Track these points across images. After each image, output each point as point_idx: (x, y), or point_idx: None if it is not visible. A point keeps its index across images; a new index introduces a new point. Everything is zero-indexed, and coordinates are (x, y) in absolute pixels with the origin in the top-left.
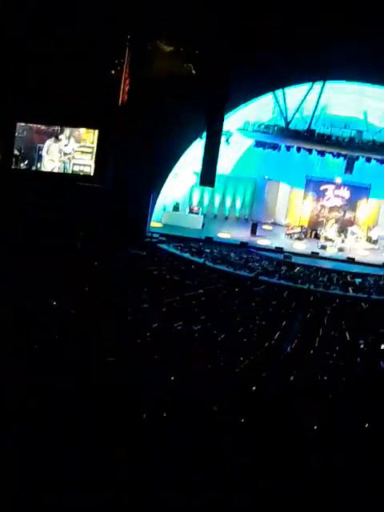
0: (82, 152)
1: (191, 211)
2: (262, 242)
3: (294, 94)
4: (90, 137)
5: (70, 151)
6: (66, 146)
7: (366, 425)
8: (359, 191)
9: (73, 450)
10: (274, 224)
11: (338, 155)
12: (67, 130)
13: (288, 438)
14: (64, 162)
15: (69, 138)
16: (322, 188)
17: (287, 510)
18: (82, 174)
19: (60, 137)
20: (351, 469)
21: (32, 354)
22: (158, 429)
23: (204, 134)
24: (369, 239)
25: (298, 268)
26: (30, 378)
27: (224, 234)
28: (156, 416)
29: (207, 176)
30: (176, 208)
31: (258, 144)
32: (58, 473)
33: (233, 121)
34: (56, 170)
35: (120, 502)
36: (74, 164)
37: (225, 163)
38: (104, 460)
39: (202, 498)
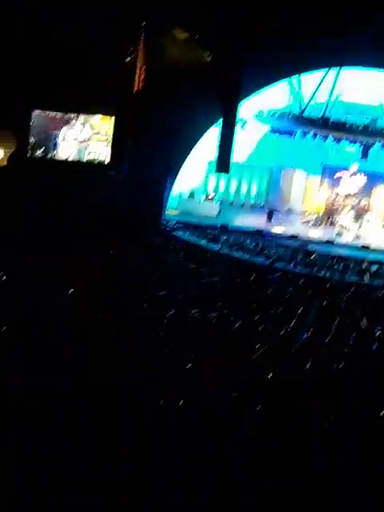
0: (98, 139)
1: (207, 199)
2: (277, 229)
3: (310, 80)
4: (105, 124)
5: (86, 138)
6: (81, 133)
7: (382, 413)
8: (375, 178)
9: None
10: (290, 211)
11: (354, 142)
12: (82, 118)
13: (294, 434)
14: (79, 150)
15: (84, 125)
16: (338, 175)
17: (290, 509)
18: (96, 161)
19: (75, 124)
20: (356, 467)
21: (36, 349)
22: (159, 427)
23: (219, 121)
24: None
25: (313, 255)
26: (32, 376)
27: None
28: (157, 413)
29: (223, 163)
30: (192, 195)
31: (274, 131)
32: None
33: (248, 108)
34: (71, 158)
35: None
36: (89, 152)
37: (240, 150)
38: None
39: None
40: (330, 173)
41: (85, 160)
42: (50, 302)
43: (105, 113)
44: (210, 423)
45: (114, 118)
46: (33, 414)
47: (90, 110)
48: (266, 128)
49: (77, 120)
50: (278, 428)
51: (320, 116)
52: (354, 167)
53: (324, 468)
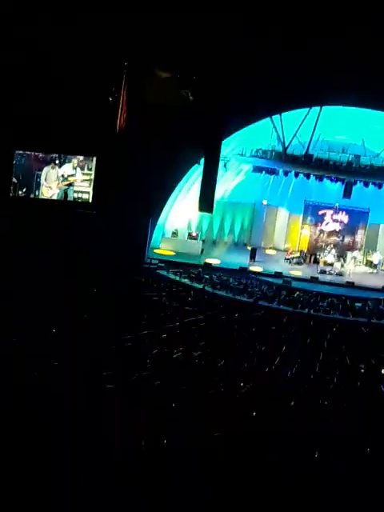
0: (81, 179)
1: (190, 237)
2: (255, 268)
3: (292, 118)
4: (88, 164)
5: (68, 178)
6: (63, 173)
7: (368, 449)
8: (358, 215)
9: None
10: (273, 249)
11: (336, 180)
12: (65, 158)
13: (278, 471)
14: (62, 189)
15: (67, 165)
16: (321, 212)
17: None
18: (80, 201)
19: (58, 164)
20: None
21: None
22: (139, 468)
23: (202, 160)
24: (368, 263)
25: (297, 293)
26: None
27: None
28: (139, 454)
29: (206, 202)
30: (175, 234)
31: (256, 169)
32: None
33: (231, 146)
34: (55, 198)
35: None
36: (73, 191)
37: (223, 188)
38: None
39: None
40: (312, 210)
41: (68, 199)
42: (32, 340)
43: (87, 153)
44: (191, 463)
45: (95, 158)
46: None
47: (72, 151)
48: (248, 167)
49: (59, 160)
50: (261, 466)
51: (303, 154)
52: (337, 205)
53: (309, 504)
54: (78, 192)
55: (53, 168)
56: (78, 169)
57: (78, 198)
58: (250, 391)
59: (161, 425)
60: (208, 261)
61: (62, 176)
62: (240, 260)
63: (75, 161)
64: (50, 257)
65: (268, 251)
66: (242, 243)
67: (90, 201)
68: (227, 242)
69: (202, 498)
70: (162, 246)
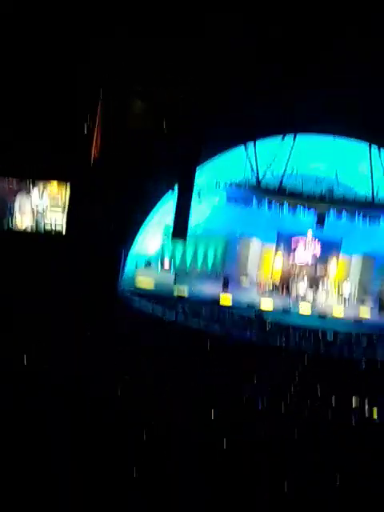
0: (55, 210)
1: (163, 269)
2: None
3: (265, 150)
4: (61, 191)
5: (43, 208)
6: (39, 202)
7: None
8: (330, 246)
9: None
10: (246, 279)
11: (310, 209)
12: (39, 185)
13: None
14: (37, 221)
15: (42, 193)
16: (294, 243)
17: None
18: (54, 233)
19: (32, 192)
20: None
21: None
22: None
23: (176, 187)
24: (339, 295)
25: (269, 325)
26: None
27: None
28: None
29: (179, 229)
30: (148, 264)
31: (230, 199)
32: None
33: (204, 175)
34: (29, 230)
35: None
36: (45, 223)
37: (196, 219)
38: None
39: None
40: (285, 240)
41: (42, 231)
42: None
43: (60, 178)
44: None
45: (69, 184)
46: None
47: (45, 176)
48: (221, 196)
49: (33, 188)
50: (233, 495)
51: (276, 186)
52: (309, 234)
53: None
54: (50, 224)
55: (26, 197)
56: (52, 198)
57: (52, 230)
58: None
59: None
60: (180, 293)
61: (36, 206)
62: (213, 291)
63: (49, 189)
64: (23, 290)
65: (242, 278)
66: (215, 273)
67: (64, 233)
68: (200, 273)
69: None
70: (139, 278)
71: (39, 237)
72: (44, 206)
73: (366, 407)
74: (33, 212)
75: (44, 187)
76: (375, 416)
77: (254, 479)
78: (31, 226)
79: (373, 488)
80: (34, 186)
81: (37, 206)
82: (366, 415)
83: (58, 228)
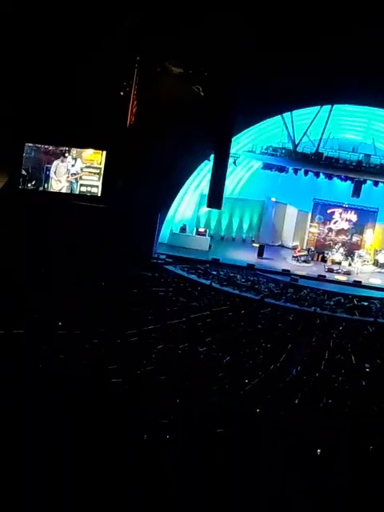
0: (90, 173)
1: (198, 233)
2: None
3: (303, 116)
4: (97, 158)
5: (77, 171)
6: (73, 166)
7: (370, 448)
8: (366, 215)
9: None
10: (281, 246)
11: (346, 178)
12: (74, 151)
13: (281, 468)
14: (71, 183)
15: (76, 158)
16: (329, 211)
17: None
18: (89, 194)
19: (67, 157)
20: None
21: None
22: (142, 460)
23: (212, 156)
24: (376, 262)
25: (304, 291)
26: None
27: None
28: (159, 439)
29: (214, 198)
30: (183, 229)
31: (266, 166)
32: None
33: (241, 142)
34: (64, 191)
35: None
36: (81, 185)
37: (232, 185)
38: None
39: None
40: (321, 209)
41: (77, 193)
42: (41, 333)
43: (96, 147)
44: (194, 458)
45: (105, 152)
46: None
47: (82, 144)
48: (258, 164)
49: (69, 153)
50: (265, 464)
51: (313, 152)
52: (346, 205)
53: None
54: (86, 186)
55: (62, 161)
56: (87, 163)
57: (87, 191)
58: (254, 388)
59: (164, 420)
60: (214, 258)
61: (71, 169)
62: (247, 257)
63: (84, 154)
64: (58, 250)
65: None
66: (250, 240)
67: (99, 195)
68: (235, 239)
69: (203, 498)
70: (170, 242)
71: (74, 200)
72: (80, 171)
73: None
74: (68, 176)
75: (80, 153)
76: None
77: (286, 444)
78: (66, 189)
79: None
80: (70, 151)
81: (72, 170)
82: None
83: (94, 191)
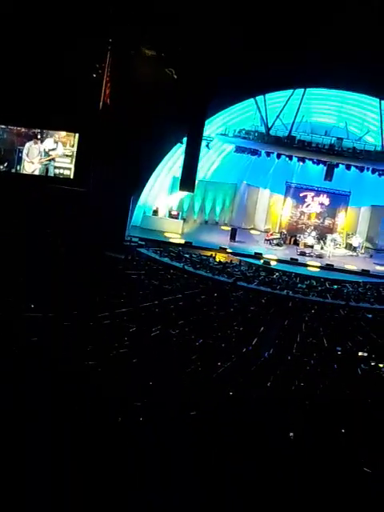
0: (63, 155)
1: (171, 215)
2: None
3: (276, 99)
4: (70, 140)
5: (50, 154)
6: (45, 148)
7: (342, 430)
8: (339, 198)
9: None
10: (254, 230)
11: (319, 162)
12: (47, 133)
13: (260, 446)
14: (44, 165)
15: (48, 140)
16: (302, 194)
17: None
18: (62, 176)
19: (40, 139)
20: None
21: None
22: (113, 442)
23: (185, 139)
24: (348, 246)
25: (276, 274)
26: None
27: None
28: (113, 429)
29: (187, 181)
30: (155, 212)
31: (239, 149)
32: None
33: (214, 126)
34: (36, 173)
35: None
36: (54, 167)
37: (205, 168)
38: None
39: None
40: (294, 192)
41: (49, 175)
42: (13, 315)
43: (69, 129)
44: (165, 441)
45: (78, 134)
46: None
47: (54, 126)
48: (230, 147)
49: (41, 135)
50: (238, 445)
51: (285, 135)
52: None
53: (288, 486)
54: (59, 168)
55: (35, 143)
56: (60, 144)
57: (60, 173)
58: (227, 371)
59: (137, 402)
60: (187, 240)
61: (44, 151)
62: (220, 240)
63: (57, 136)
64: (30, 232)
65: (223, 227)
66: (223, 223)
67: (72, 177)
68: (208, 222)
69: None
70: (143, 225)
71: (47, 182)
72: (52, 153)
73: (373, 356)
74: (41, 158)
75: (53, 134)
76: (381, 364)
77: (261, 430)
78: (39, 171)
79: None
80: (42, 133)
81: (45, 152)
82: (373, 363)
83: (66, 173)
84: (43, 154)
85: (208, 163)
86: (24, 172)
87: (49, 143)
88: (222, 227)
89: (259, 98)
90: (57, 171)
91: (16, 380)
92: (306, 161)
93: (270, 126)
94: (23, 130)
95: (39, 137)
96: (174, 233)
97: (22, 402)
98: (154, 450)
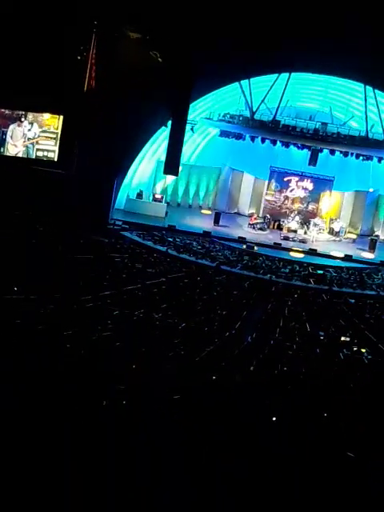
0: (47, 137)
1: (155, 199)
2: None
3: (261, 84)
4: (54, 122)
5: (34, 136)
6: (29, 130)
7: (325, 414)
8: (323, 183)
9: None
10: (238, 214)
11: (303, 147)
12: (31, 115)
13: (244, 428)
14: (27, 147)
15: (32, 123)
16: (286, 179)
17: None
18: (45, 159)
19: (24, 121)
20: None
21: None
22: (118, 418)
23: (169, 123)
24: (331, 231)
25: (260, 258)
26: None
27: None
28: (116, 404)
29: (171, 164)
30: (139, 196)
31: (223, 133)
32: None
33: (198, 109)
34: (20, 155)
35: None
36: (37, 149)
37: (189, 152)
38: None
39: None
40: (278, 176)
41: (33, 157)
42: None
43: (53, 111)
44: (148, 424)
45: (62, 116)
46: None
47: (39, 108)
48: (215, 131)
49: (25, 117)
50: (221, 429)
51: (270, 120)
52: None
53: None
54: (43, 150)
55: (19, 125)
56: (35, 124)
57: (44, 156)
58: (210, 355)
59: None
60: (171, 224)
61: (28, 134)
62: (203, 224)
63: (41, 119)
64: (14, 215)
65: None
66: (207, 207)
67: (56, 159)
68: (192, 206)
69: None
70: (126, 208)
71: (31, 165)
72: (35, 135)
73: (355, 341)
74: (24, 141)
75: (36, 117)
76: (363, 349)
77: (240, 411)
78: (22, 154)
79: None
80: (26, 115)
81: (28, 134)
82: (355, 349)
83: (50, 156)
84: (27, 136)
85: (192, 147)
86: (7, 154)
87: (33, 126)
88: (203, 211)
89: (244, 82)
90: (40, 154)
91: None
92: (291, 145)
93: (254, 110)
94: (7, 112)
95: (23, 119)
96: (158, 216)
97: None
98: (144, 447)
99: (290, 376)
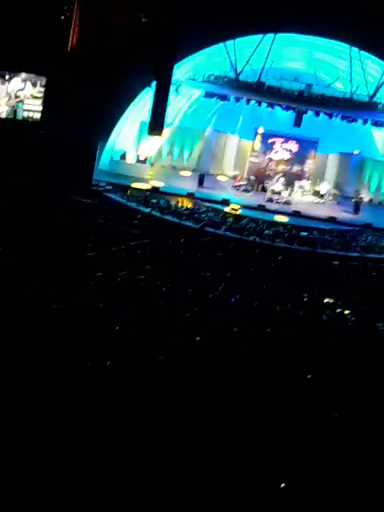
0: (34, 97)
1: (138, 160)
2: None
3: (246, 45)
4: (40, 80)
5: (19, 95)
6: (14, 89)
7: (309, 376)
8: (307, 145)
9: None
10: (222, 175)
11: (288, 108)
12: (15, 75)
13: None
14: (11, 107)
15: (25, 80)
16: (270, 141)
17: None
18: (31, 120)
19: (7, 79)
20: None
21: None
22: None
23: (153, 83)
24: (316, 193)
25: (244, 220)
26: None
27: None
28: (100, 365)
29: (156, 125)
30: (123, 157)
31: (208, 95)
32: None
33: (183, 70)
34: (3, 115)
35: None
36: (24, 109)
37: (173, 113)
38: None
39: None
40: (262, 138)
41: (18, 118)
42: None
43: (37, 71)
44: (129, 388)
45: (45, 77)
46: None
47: (22, 68)
48: (199, 92)
49: (9, 76)
50: (206, 394)
51: (255, 81)
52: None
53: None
54: (28, 111)
55: (2, 84)
56: (29, 83)
57: (29, 117)
58: (193, 316)
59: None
60: (154, 184)
61: (12, 91)
62: (187, 185)
63: (24, 75)
64: None
65: (219, 178)
66: (191, 168)
67: (40, 120)
68: (176, 167)
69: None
70: (110, 169)
71: (15, 124)
72: (20, 93)
73: (339, 303)
74: (9, 100)
75: (20, 74)
76: (346, 311)
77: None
78: (6, 114)
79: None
80: (10, 74)
81: (13, 93)
82: (338, 311)
83: (36, 116)
84: (11, 95)
85: (176, 108)
86: None
87: (16, 83)
88: (183, 173)
89: (229, 42)
90: (26, 114)
91: None
92: (275, 107)
93: (239, 71)
94: None
95: (7, 77)
96: (142, 178)
97: None
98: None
99: (274, 337)
